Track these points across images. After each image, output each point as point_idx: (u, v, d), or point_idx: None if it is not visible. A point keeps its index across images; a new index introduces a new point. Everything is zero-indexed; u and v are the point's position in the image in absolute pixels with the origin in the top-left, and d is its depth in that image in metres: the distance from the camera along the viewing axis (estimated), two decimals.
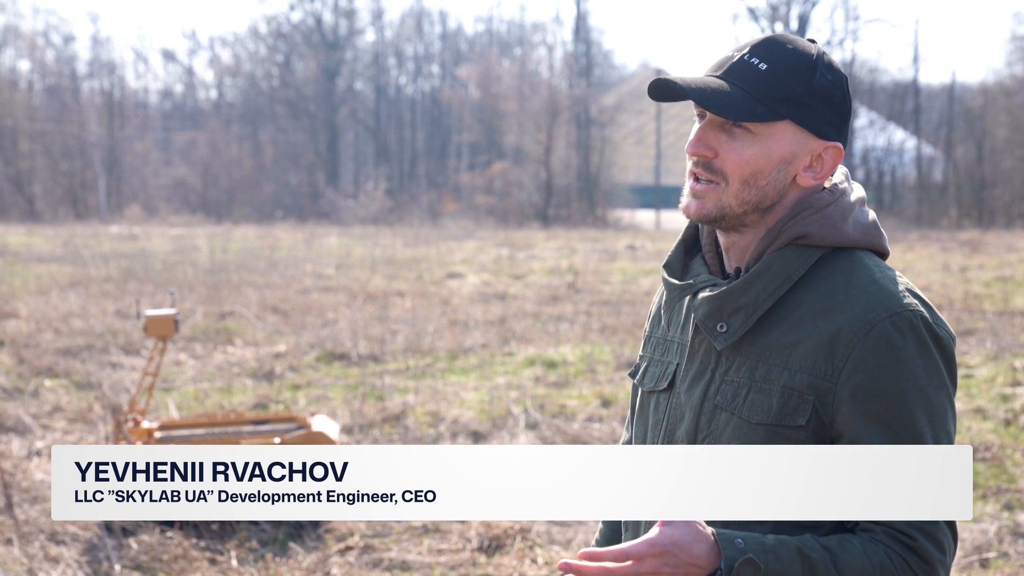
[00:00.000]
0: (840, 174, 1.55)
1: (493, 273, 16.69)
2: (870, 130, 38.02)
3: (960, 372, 8.39)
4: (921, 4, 75.21)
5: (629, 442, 1.74)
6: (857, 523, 1.41)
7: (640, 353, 1.68)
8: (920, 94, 38.50)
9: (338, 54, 43.99)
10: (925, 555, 1.37)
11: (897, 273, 1.49)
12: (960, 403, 7.33)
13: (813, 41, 1.51)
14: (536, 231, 28.71)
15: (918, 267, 16.74)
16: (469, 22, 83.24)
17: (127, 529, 4.82)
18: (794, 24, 37.46)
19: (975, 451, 6.13)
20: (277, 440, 5.11)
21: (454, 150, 45.45)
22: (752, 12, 37.89)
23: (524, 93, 38.36)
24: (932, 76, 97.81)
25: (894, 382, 1.39)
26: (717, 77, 1.46)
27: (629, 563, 1.32)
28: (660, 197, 37.71)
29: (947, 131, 36.89)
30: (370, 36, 48.31)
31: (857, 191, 1.54)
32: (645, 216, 36.05)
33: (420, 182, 42.98)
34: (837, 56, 38.17)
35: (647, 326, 1.69)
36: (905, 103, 38.59)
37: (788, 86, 1.44)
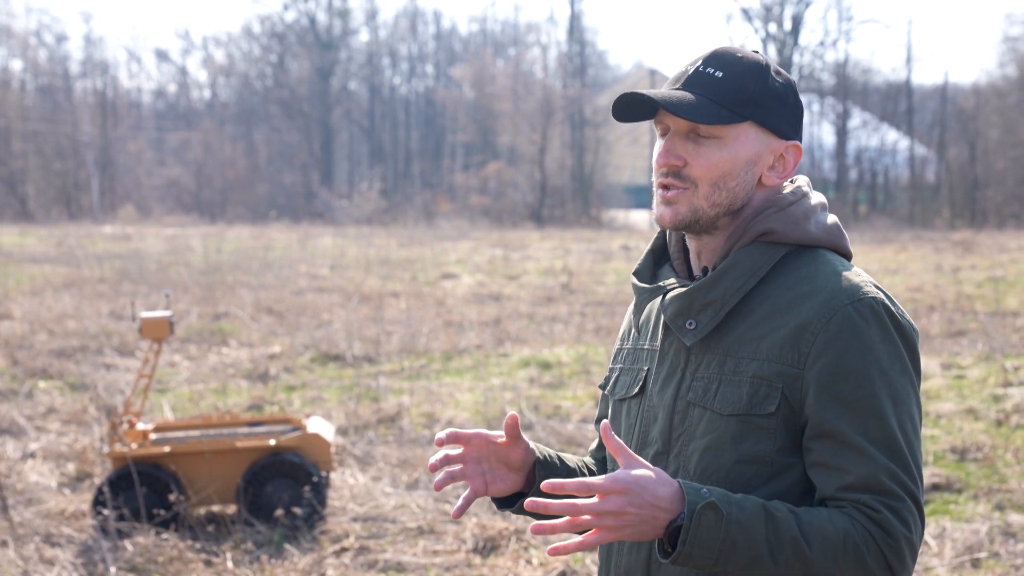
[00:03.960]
0: (802, 180, 1.60)
1: (488, 274, 16.70)
2: (863, 130, 38.08)
3: (952, 373, 8.44)
4: (914, 5, 75.45)
5: (600, 448, 1.76)
6: (826, 503, 1.44)
7: (610, 366, 1.71)
8: (913, 95, 38.58)
9: (332, 54, 43.95)
10: (889, 528, 1.40)
11: (858, 268, 1.53)
12: (952, 403, 7.36)
13: (756, 51, 1.57)
14: (531, 231, 28.72)
15: (911, 267, 16.79)
16: (463, 22, 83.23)
17: (122, 531, 4.83)
18: (787, 24, 37.52)
19: (967, 451, 6.16)
20: (272, 442, 5.12)
21: (448, 150, 45.44)
22: (746, 13, 37.95)
23: (518, 93, 38.36)
24: (925, 77, 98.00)
25: (858, 364, 1.43)
26: (678, 89, 1.52)
27: (595, 498, 1.34)
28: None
29: (940, 132, 36.97)
30: (364, 36, 48.27)
31: (817, 197, 1.59)
32: (639, 216, 36.07)
33: (414, 182, 42.96)
34: (830, 57, 38.28)
35: (618, 340, 1.73)
36: (898, 104, 38.65)
37: (746, 89, 1.50)
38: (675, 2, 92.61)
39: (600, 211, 35.16)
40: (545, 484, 1.34)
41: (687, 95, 1.50)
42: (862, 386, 1.43)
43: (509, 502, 1.63)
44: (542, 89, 37.58)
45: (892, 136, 38.56)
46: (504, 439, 1.55)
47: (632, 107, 1.52)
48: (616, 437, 1.39)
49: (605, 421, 1.40)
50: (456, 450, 1.55)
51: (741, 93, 1.50)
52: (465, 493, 1.55)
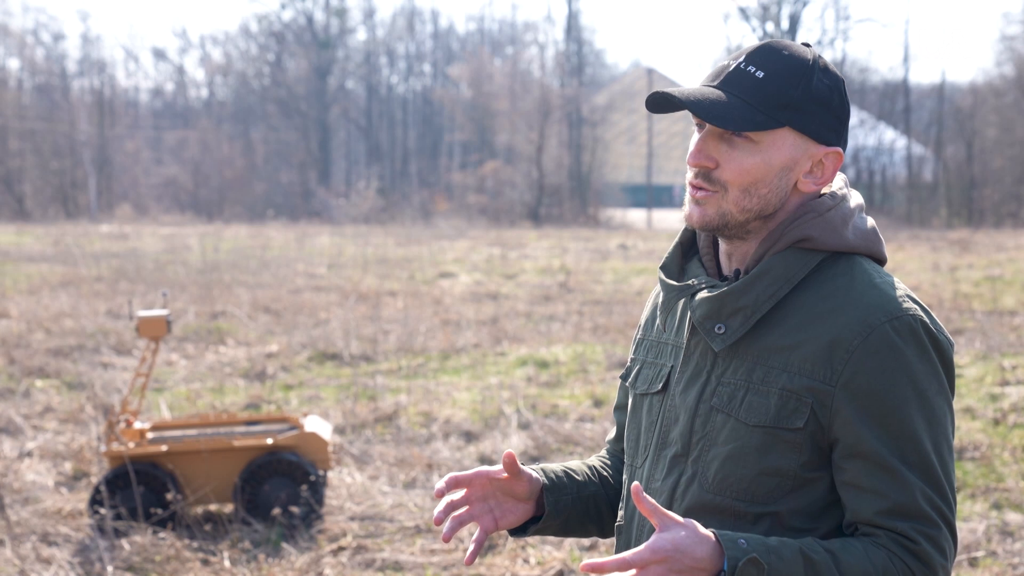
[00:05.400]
0: (839, 180, 1.55)
1: (485, 272, 16.70)
2: (860, 129, 38.13)
3: None
4: (911, 4, 75.53)
5: (619, 439, 1.74)
6: (858, 527, 1.42)
7: (631, 356, 1.67)
8: (910, 94, 38.63)
9: (329, 53, 43.93)
10: (926, 558, 1.38)
11: (896, 279, 1.49)
12: None
13: (808, 45, 1.50)
14: (528, 230, 28.72)
15: (908, 267, 16.80)
16: (461, 21, 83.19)
17: (119, 530, 4.82)
18: (785, 24, 37.55)
19: (964, 451, 6.17)
20: (270, 441, 5.11)
21: (446, 149, 45.43)
22: (743, 12, 37.97)
23: (516, 92, 38.36)
24: (922, 76, 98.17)
25: (893, 386, 1.39)
26: (715, 87, 1.45)
27: (633, 572, 1.31)
28: (652, 196, 37.78)
29: (937, 131, 37.03)
30: (361, 35, 48.30)
31: (856, 198, 1.54)
32: (637, 215, 36.09)
33: (412, 181, 42.96)
34: (828, 56, 38.31)
35: (639, 330, 1.68)
36: (895, 103, 38.70)
37: (786, 93, 1.43)
38: (672, 1, 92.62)
39: (597, 210, 35.18)
40: (584, 566, 1.31)
41: (721, 96, 1.43)
42: (898, 407, 1.39)
43: (522, 528, 1.61)
44: (539, 88, 37.58)
45: (889, 135, 38.61)
46: (506, 475, 1.53)
47: (666, 103, 1.45)
48: (649, 498, 1.34)
49: (636, 484, 1.35)
50: (458, 494, 1.52)
51: (781, 96, 1.42)
52: (475, 535, 1.51)
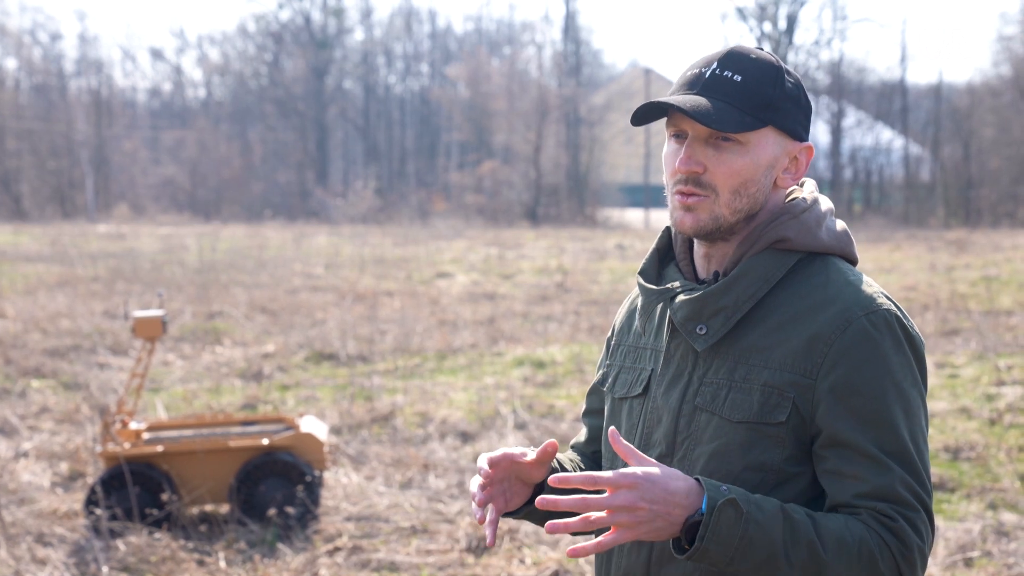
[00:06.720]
0: (810, 185, 1.60)
1: (482, 273, 16.70)
2: (858, 129, 38.17)
3: (945, 371, 8.45)
4: (908, 4, 75.59)
5: (590, 442, 1.75)
6: (839, 509, 1.44)
7: (606, 362, 1.69)
8: (907, 94, 38.66)
9: (327, 53, 43.91)
10: (904, 537, 1.41)
11: (867, 277, 1.54)
12: (945, 403, 7.37)
13: (761, 48, 1.55)
14: (525, 230, 28.72)
15: (905, 266, 16.81)
16: (458, 21, 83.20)
17: (115, 531, 4.82)
18: (782, 24, 37.57)
19: (960, 451, 6.17)
20: (265, 441, 5.11)
21: (443, 149, 45.42)
22: (740, 12, 37.97)
23: (513, 92, 38.36)
24: (919, 76, 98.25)
25: (872, 377, 1.43)
26: (696, 94, 1.49)
27: (606, 493, 1.32)
28: (649, 196, 37.77)
29: (934, 131, 37.05)
30: (359, 35, 48.24)
31: (825, 202, 1.59)
32: (634, 215, 36.10)
33: (409, 181, 42.96)
34: (825, 56, 38.39)
35: (613, 335, 1.70)
36: (893, 103, 38.73)
37: (765, 93, 1.48)
38: (670, 1, 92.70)
39: (595, 210, 35.19)
40: (552, 479, 1.33)
41: (707, 102, 1.46)
42: (876, 398, 1.43)
43: (516, 510, 1.63)
44: (537, 88, 37.58)
45: (887, 135, 38.64)
46: (530, 459, 1.53)
47: (648, 111, 1.49)
48: (624, 441, 1.38)
49: (612, 428, 1.38)
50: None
51: (761, 98, 1.47)
52: (489, 517, 1.52)
